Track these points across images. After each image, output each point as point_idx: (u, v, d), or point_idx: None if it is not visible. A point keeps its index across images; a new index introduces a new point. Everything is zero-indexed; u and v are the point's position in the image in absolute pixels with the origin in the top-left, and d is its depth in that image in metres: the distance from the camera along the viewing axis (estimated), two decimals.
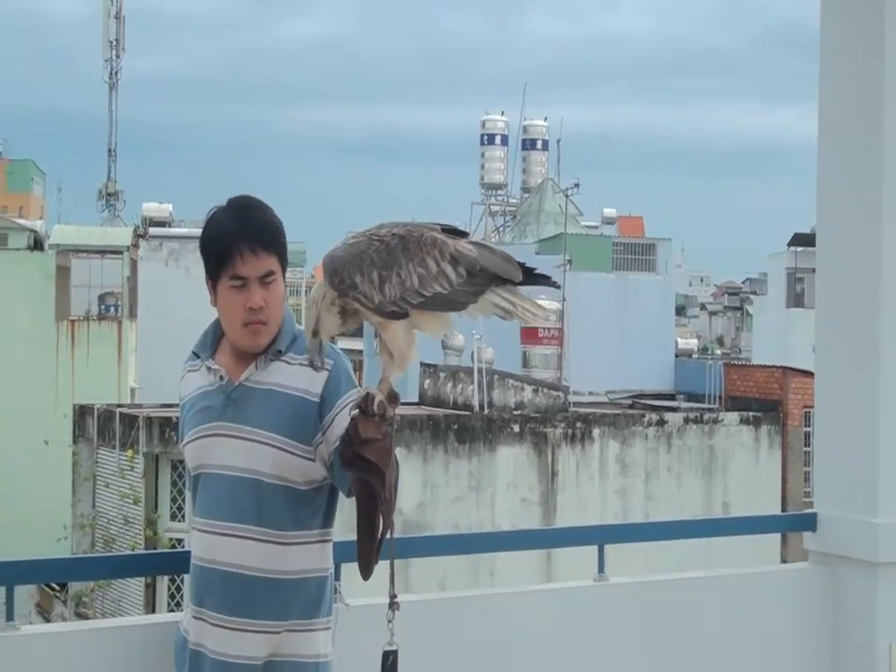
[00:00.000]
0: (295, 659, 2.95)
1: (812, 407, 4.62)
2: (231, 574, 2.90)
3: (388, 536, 2.85)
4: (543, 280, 2.89)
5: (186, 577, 3.18)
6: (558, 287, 3.22)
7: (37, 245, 32.76)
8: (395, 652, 2.94)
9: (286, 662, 2.94)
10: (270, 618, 2.91)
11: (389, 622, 2.89)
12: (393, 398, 2.77)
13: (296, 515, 2.93)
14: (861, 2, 4.35)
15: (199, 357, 3.03)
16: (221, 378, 2.95)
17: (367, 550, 2.88)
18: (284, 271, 2.99)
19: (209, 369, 2.98)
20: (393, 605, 2.93)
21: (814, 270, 4.73)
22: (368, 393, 2.76)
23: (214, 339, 3.04)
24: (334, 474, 2.90)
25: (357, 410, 2.74)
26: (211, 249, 2.93)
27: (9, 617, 3.23)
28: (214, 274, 2.93)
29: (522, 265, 2.79)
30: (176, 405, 3.26)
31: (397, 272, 2.68)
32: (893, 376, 4.33)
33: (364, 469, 2.74)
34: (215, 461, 2.93)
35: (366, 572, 2.89)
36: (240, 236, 2.87)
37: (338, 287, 2.71)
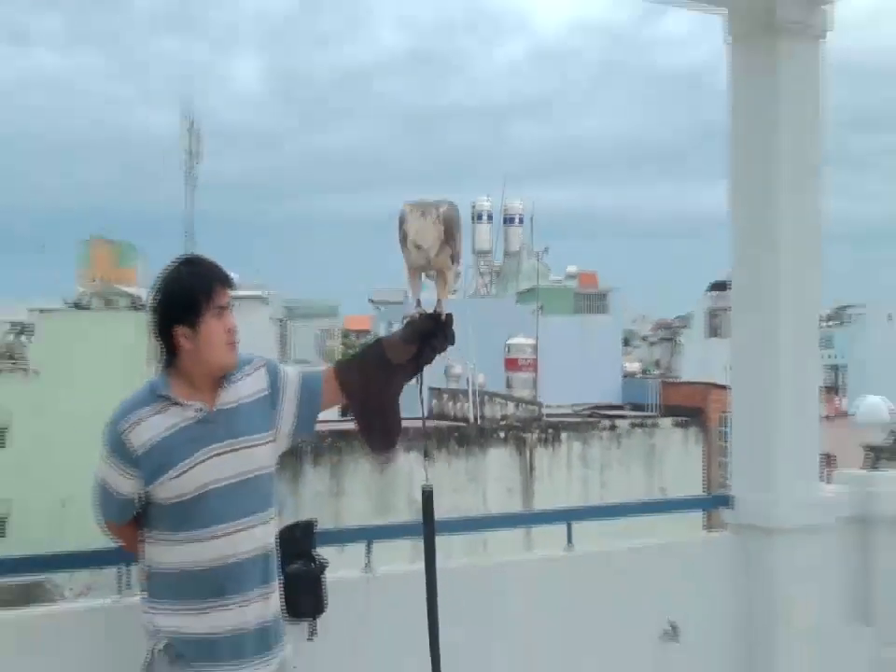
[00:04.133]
0: (278, 617, 2.86)
1: (728, 413, 4.62)
2: (254, 556, 2.74)
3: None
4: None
5: (166, 584, 2.72)
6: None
7: (136, 306, 33.04)
8: (431, 489, 2.97)
9: (276, 619, 2.83)
10: (273, 581, 2.82)
11: (426, 469, 3.01)
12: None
13: (273, 494, 2.84)
14: (757, 110, 4.42)
15: (161, 400, 2.70)
16: (200, 410, 2.70)
17: (387, 426, 2.89)
18: None
19: (179, 406, 2.69)
20: (428, 455, 3.10)
21: (728, 309, 4.74)
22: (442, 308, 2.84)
23: (166, 385, 2.73)
24: (305, 421, 2.88)
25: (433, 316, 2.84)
26: (196, 291, 2.70)
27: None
28: (197, 311, 2.69)
29: None
30: None
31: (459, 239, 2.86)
32: (788, 392, 4.36)
33: (431, 349, 2.83)
34: (222, 475, 2.69)
35: (387, 449, 2.95)
36: (214, 276, 2.74)
37: (455, 245, 2.84)
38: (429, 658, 2.97)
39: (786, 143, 4.31)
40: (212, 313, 2.70)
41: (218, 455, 2.69)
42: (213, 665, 2.70)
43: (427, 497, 2.96)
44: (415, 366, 2.84)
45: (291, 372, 2.89)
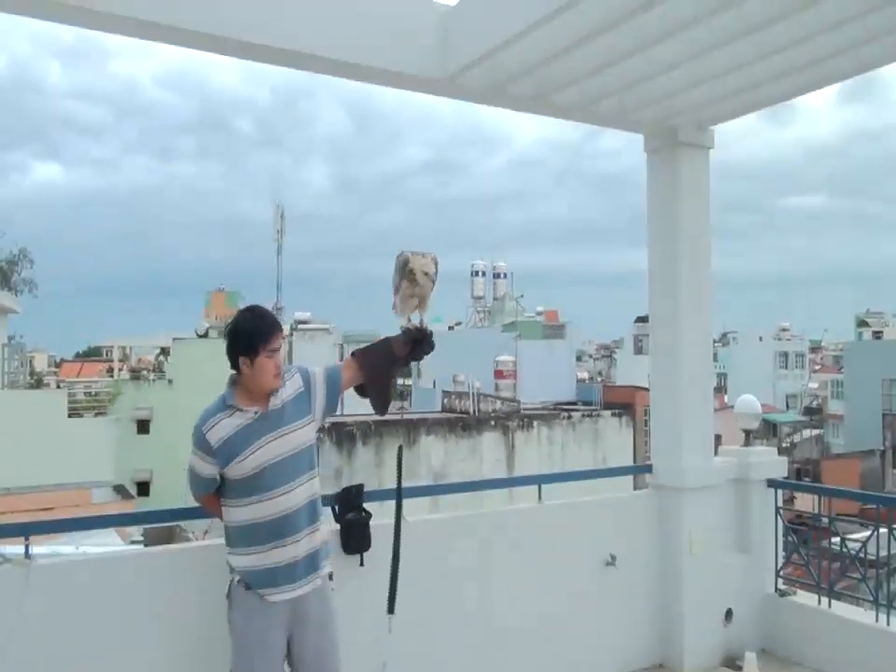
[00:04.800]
0: (324, 545, 2.79)
1: (649, 406, 4.60)
2: (303, 506, 2.68)
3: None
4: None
5: (239, 535, 2.67)
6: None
7: None
8: (401, 446, 3.18)
9: (323, 545, 2.78)
10: (318, 520, 2.75)
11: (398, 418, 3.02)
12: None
13: (315, 458, 2.78)
14: (664, 200, 4.42)
15: (230, 408, 2.66)
16: (256, 413, 2.65)
17: (386, 394, 2.92)
18: None
19: (242, 411, 2.65)
20: (403, 415, 3.08)
21: (647, 335, 4.73)
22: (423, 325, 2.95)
23: (232, 397, 2.68)
24: (331, 403, 2.81)
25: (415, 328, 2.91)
26: (256, 335, 2.64)
27: None
28: (255, 350, 2.62)
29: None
30: None
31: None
32: (689, 392, 4.34)
33: (420, 350, 2.90)
34: (273, 455, 2.63)
35: (386, 409, 2.92)
36: (273, 326, 2.67)
37: (437, 279, 2.93)
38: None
39: (684, 222, 4.31)
40: (266, 354, 2.64)
41: (270, 442, 2.64)
42: (273, 588, 2.64)
43: (400, 448, 3.19)
44: (408, 360, 2.94)
45: (318, 371, 2.83)
